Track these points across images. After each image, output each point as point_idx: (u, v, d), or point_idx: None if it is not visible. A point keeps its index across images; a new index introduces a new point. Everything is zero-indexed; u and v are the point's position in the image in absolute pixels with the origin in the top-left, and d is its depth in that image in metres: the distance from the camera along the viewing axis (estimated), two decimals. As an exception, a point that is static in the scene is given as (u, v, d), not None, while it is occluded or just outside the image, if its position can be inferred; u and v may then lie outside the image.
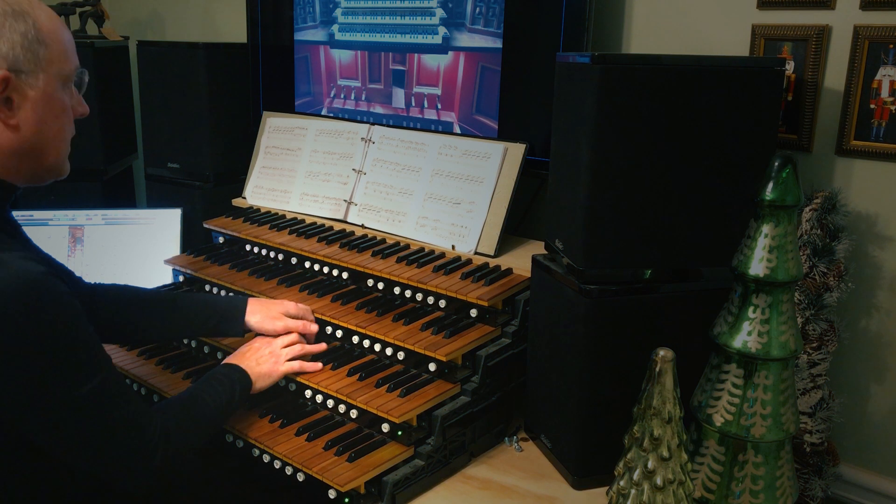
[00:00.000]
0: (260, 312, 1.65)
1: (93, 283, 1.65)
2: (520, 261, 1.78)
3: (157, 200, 2.60)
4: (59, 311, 1.13)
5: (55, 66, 1.21)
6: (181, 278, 2.10)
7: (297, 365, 1.59)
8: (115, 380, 1.23)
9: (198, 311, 1.65)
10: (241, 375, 1.51)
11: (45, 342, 1.12)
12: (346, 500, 1.42)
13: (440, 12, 2.06)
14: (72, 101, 1.28)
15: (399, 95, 2.19)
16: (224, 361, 1.57)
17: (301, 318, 1.68)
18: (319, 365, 1.61)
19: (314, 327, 1.68)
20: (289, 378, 1.64)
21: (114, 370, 1.24)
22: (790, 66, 1.70)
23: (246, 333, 1.67)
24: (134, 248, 2.39)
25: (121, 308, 1.62)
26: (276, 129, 2.30)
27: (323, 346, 1.67)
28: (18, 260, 1.12)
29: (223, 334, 1.68)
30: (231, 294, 1.89)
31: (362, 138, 2.10)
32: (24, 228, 1.39)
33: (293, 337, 1.63)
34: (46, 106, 1.21)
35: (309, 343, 1.67)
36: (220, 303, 1.68)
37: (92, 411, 1.18)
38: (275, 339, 1.62)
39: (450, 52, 2.06)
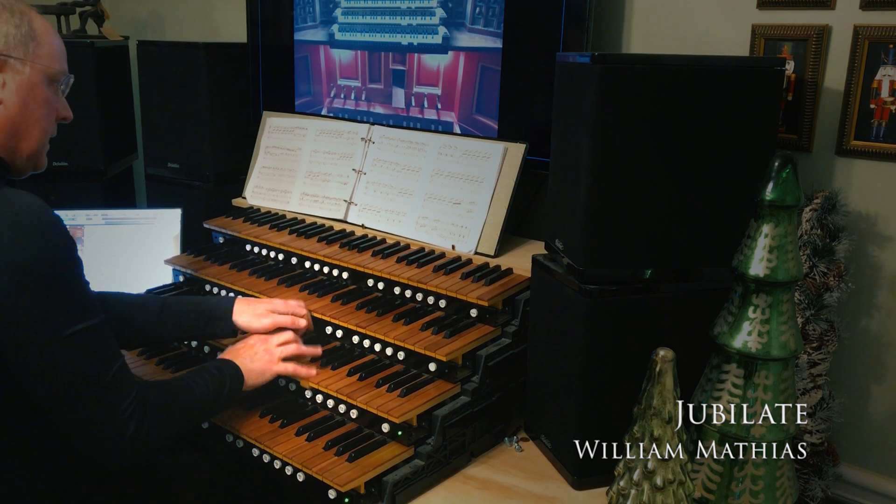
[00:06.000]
0: (246, 312, 1.64)
1: None
2: (520, 261, 1.78)
3: (157, 200, 2.60)
4: (66, 240, 1.21)
5: (43, 62, 1.31)
6: (181, 278, 2.10)
7: (290, 367, 1.57)
8: (105, 335, 1.25)
9: (184, 316, 1.65)
10: (232, 370, 1.50)
11: (53, 262, 1.17)
12: (346, 500, 1.42)
13: (440, 12, 2.06)
14: (56, 103, 1.36)
15: (399, 95, 2.19)
16: (219, 356, 1.57)
17: (290, 314, 1.66)
18: (313, 371, 1.59)
19: (302, 322, 1.66)
20: (288, 378, 1.64)
21: (106, 328, 1.26)
22: (790, 66, 1.70)
23: (238, 333, 1.66)
24: (134, 248, 2.39)
25: (110, 317, 1.61)
26: (276, 129, 2.30)
27: (319, 349, 1.65)
28: (29, 193, 1.21)
29: (212, 336, 1.68)
30: (231, 294, 1.88)
31: (362, 138, 2.10)
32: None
33: (289, 335, 1.61)
34: (30, 93, 1.30)
35: (303, 339, 1.65)
36: (206, 305, 1.67)
37: (76, 355, 1.20)
38: (271, 336, 1.61)
39: (450, 52, 2.06)
